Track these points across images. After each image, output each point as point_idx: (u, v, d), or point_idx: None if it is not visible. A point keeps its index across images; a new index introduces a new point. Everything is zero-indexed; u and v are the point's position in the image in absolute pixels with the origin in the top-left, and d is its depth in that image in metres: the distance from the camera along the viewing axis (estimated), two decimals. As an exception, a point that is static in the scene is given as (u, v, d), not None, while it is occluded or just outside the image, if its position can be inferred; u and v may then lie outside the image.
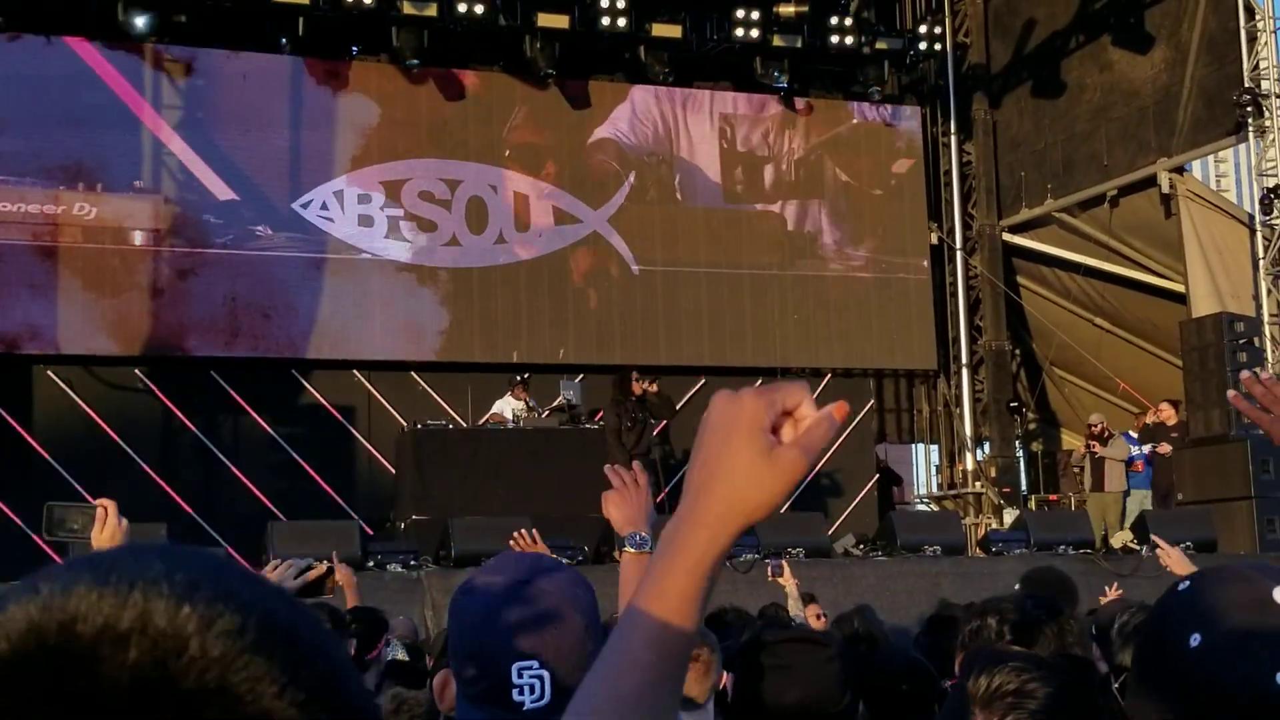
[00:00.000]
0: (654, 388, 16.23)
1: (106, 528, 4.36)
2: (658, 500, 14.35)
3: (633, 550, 3.06)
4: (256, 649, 0.73)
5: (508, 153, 18.52)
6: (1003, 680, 1.96)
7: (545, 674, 1.95)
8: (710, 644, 3.55)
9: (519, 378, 16.46)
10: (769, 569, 8.37)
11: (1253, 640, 1.46)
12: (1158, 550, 6.55)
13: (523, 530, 5.64)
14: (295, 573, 3.97)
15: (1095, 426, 17.64)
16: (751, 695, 3.03)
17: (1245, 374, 2.38)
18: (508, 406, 15.89)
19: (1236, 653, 1.46)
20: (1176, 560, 6.38)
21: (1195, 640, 1.49)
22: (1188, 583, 1.60)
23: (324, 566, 4.18)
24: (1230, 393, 2.36)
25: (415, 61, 17.31)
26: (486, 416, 16.13)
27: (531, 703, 1.94)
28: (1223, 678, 1.46)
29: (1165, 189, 17.72)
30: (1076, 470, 18.36)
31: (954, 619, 6.25)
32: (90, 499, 14.13)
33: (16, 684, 0.72)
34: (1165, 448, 16.60)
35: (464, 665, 2.01)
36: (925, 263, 20.40)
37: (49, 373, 16.36)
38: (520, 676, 1.95)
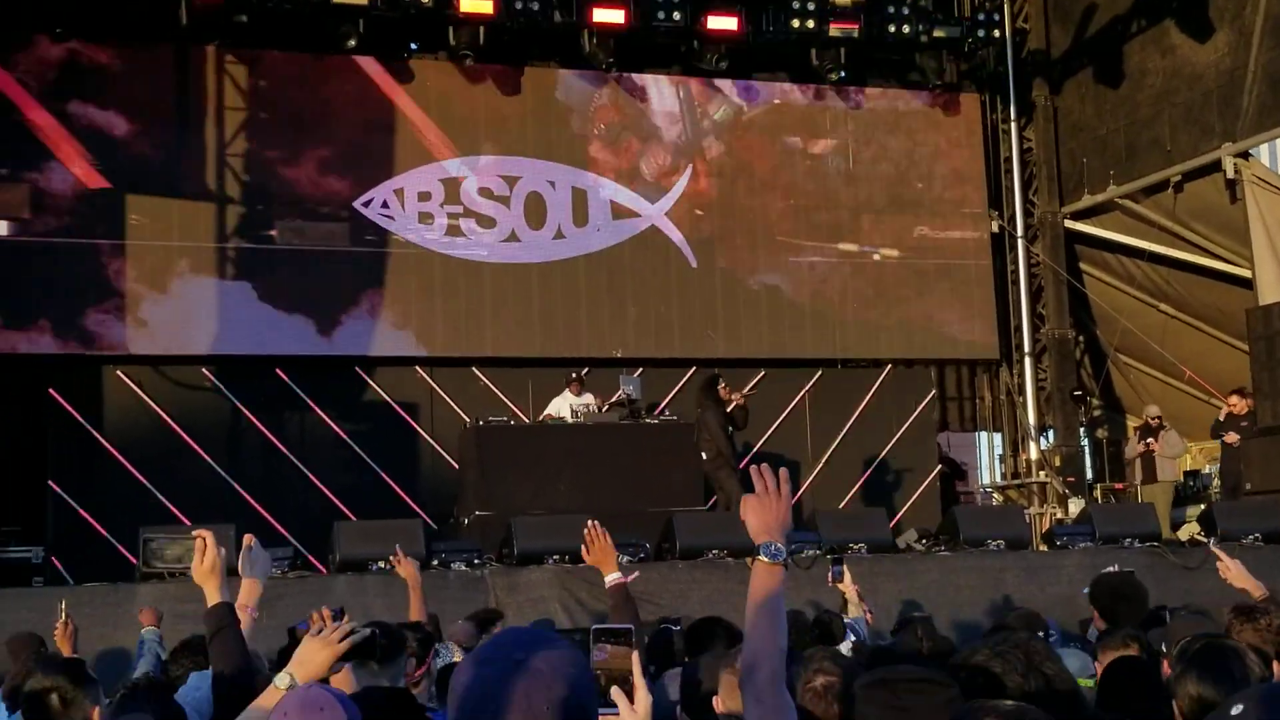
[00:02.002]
0: (743, 400, 16.18)
1: (206, 558, 4.37)
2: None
3: (765, 560, 3.12)
4: None
5: (565, 148, 18.52)
6: None
7: None
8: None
9: (574, 374, 16.47)
10: (830, 575, 8.27)
11: None
12: (1218, 563, 6.43)
13: (594, 523, 5.66)
14: (340, 636, 3.95)
15: (1154, 421, 17.56)
16: None
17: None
18: (565, 404, 15.90)
19: None
20: (1236, 574, 6.26)
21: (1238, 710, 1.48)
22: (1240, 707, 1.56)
23: (369, 633, 4.17)
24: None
25: (471, 57, 17.37)
26: (542, 416, 16.14)
27: None
28: None
29: (1230, 174, 17.51)
30: (1129, 461, 18.27)
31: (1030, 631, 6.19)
32: (164, 499, 14.19)
33: None
34: (1233, 436, 16.40)
35: None
36: (987, 250, 20.23)
37: (118, 373, 16.52)
38: None
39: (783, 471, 3.27)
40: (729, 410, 15.84)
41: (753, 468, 3.33)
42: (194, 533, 4.28)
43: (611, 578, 5.55)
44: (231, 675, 4.28)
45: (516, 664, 2.02)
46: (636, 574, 6.42)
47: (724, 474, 15.30)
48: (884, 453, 18.83)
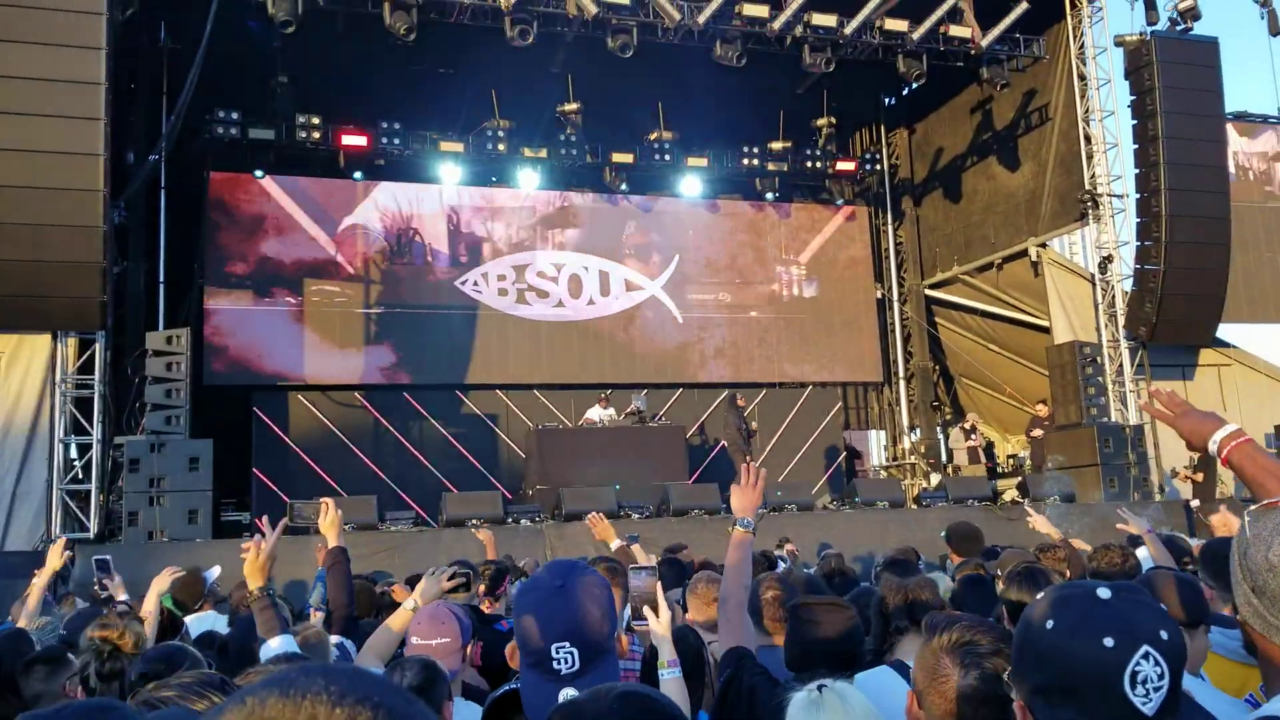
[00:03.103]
0: (752, 425, 16.05)
1: (328, 516, 4.40)
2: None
3: (741, 529, 3.18)
4: None
5: (597, 244, 18.59)
6: (957, 635, 1.93)
7: (575, 650, 1.93)
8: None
9: (603, 394, 16.49)
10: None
11: (1088, 620, 1.45)
12: (1028, 518, 6.44)
13: (595, 514, 5.65)
14: (445, 578, 3.96)
15: (968, 424, 17.75)
16: (797, 641, 3.01)
17: (1152, 388, 2.44)
18: (596, 414, 15.92)
19: (1078, 628, 1.45)
20: (1042, 525, 6.25)
21: (1050, 624, 1.48)
22: (1040, 596, 1.58)
23: (461, 580, 4.18)
24: (1141, 401, 2.41)
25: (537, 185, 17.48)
26: (582, 420, 16.14)
27: (566, 670, 1.92)
28: (1068, 647, 1.44)
29: (1034, 258, 17.56)
30: (954, 450, 18.28)
31: (907, 560, 6.17)
32: (330, 480, 14.08)
33: None
34: (1038, 432, 16.39)
35: (522, 643, 1.99)
36: (874, 310, 20.25)
37: (299, 397, 16.56)
38: (557, 653, 1.93)
39: (761, 472, 3.32)
40: (744, 417, 15.82)
41: (743, 465, 3.36)
42: (321, 500, 4.33)
43: (614, 545, 5.54)
44: (344, 597, 4.32)
45: (556, 588, 1.99)
46: (621, 544, 6.31)
47: (738, 459, 15.35)
48: (807, 444, 18.80)
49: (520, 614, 2.01)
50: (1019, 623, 1.54)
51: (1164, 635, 1.44)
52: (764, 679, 2.81)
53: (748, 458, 3.26)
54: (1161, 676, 1.41)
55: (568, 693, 1.86)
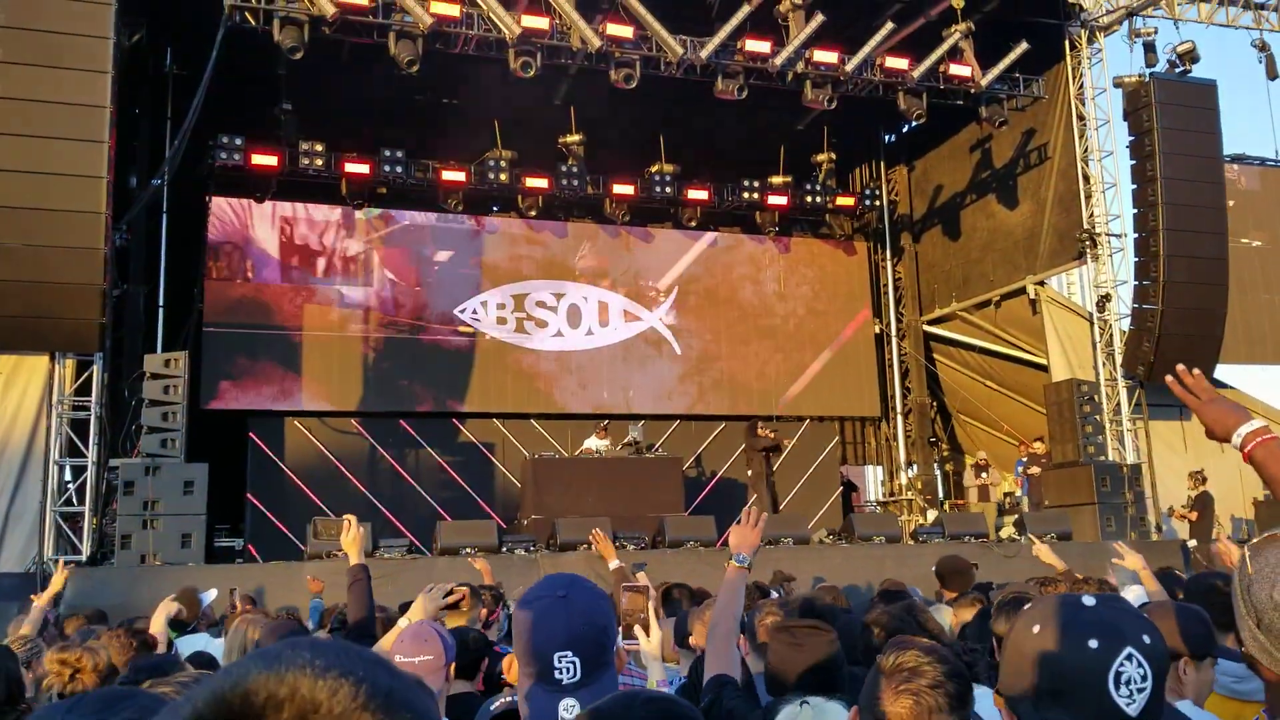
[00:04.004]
0: (772, 435, 16.02)
1: (350, 532, 4.39)
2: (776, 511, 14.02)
3: (736, 565, 3.24)
4: (365, 706, 0.76)
5: (597, 274, 18.63)
6: (904, 659, 1.89)
7: (577, 660, 1.93)
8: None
9: (602, 424, 16.47)
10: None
11: (1072, 624, 1.49)
12: (1034, 548, 6.41)
13: (596, 530, 5.68)
14: (441, 594, 3.95)
15: (982, 462, 17.60)
16: (777, 662, 3.02)
17: (1179, 367, 2.39)
18: (594, 444, 15.88)
19: (1064, 632, 1.49)
20: (1045, 553, 6.24)
21: (1036, 629, 1.52)
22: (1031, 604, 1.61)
23: (463, 592, 4.17)
24: (1169, 378, 2.36)
25: (533, 215, 17.56)
26: (579, 450, 16.11)
27: (568, 680, 1.92)
28: (1054, 650, 1.48)
29: (1032, 296, 17.62)
30: (967, 487, 18.20)
31: (900, 591, 6.15)
32: (324, 507, 14.07)
33: None
34: (1035, 470, 16.35)
35: (522, 654, 1.99)
36: (872, 345, 20.29)
37: (296, 423, 16.54)
38: (559, 662, 1.93)
39: (764, 516, 3.38)
40: (765, 444, 15.77)
41: (745, 508, 3.42)
42: (344, 517, 4.32)
43: (613, 564, 5.57)
44: (363, 613, 4.29)
45: (559, 598, 1.99)
46: (619, 564, 6.32)
47: (761, 487, 15.35)
48: (804, 478, 18.77)
49: (522, 624, 2.02)
50: (1007, 631, 1.57)
51: (1146, 639, 1.47)
52: (743, 702, 2.85)
53: (750, 511, 3.31)
54: (1144, 678, 1.45)
55: (568, 703, 1.86)
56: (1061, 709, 1.44)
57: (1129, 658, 1.45)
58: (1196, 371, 2.31)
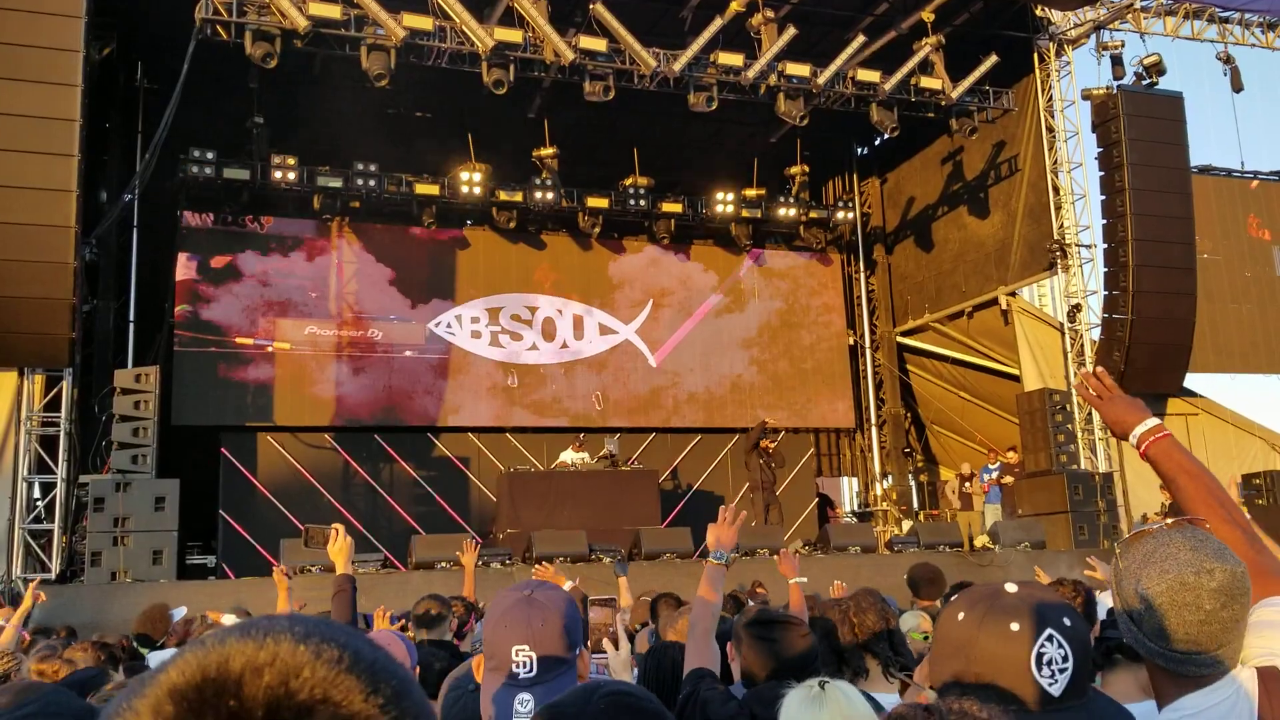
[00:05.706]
0: (773, 445, 16.03)
1: (338, 542, 4.37)
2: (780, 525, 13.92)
3: (715, 561, 3.28)
4: (349, 672, 0.75)
5: (571, 288, 18.65)
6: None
7: (533, 655, 1.98)
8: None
9: (579, 438, 16.47)
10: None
11: (994, 609, 1.57)
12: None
13: (544, 563, 5.74)
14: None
15: (965, 471, 17.67)
16: (753, 656, 3.07)
17: (1084, 370, 2.43)
18: (569, 457, 15.87)
19: (986, 616, 1.56)
20: (1041, 577, 6.27)
21: (961, 615, 1.60)
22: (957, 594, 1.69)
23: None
24: (1076, 381, 2.43)
25: (510, 228, 17.56)
26: (555, 464, 16.10)
27: (524, 675, 1.97)
28: (979, 634, 1.56)
29: (1004, 307, 17.79)
30: (951, 496, 18.25)
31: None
32: (298, 523, 13.92)
33: (187, 703, 0.73)
34: (1008, 479, 16.46)
35: (485, 649, 2.06)
36: (846, 357, 20.40)
37: (268, 438, 16.44)
38: (516, 656, 1.98)
39: (741, 514, 3.41)
40: (764, 452, 15.77)
41: (721, 507, 3.46)
42: (332, 525, 4.30)
43: (567, 585, 5.62)
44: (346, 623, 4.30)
45: (524, 596, 2.05)
46: (573, 584, 6.24)
47: (759, 495, 15.39)
48: (780, 489, 18.78)
49: (488, 619, 2.09)
50: (936, 621, 1.64)
51: (1067, 622, 1.55)
52: (718, 694, 2.91)
53: (726, 511, 3.36)
54: (1065, 659, 1.51)
55: (523, 698, 1.91)
56: (987, 690, 1.50)
57: (1050, 639, 1.51)
58: (1100, 369, 2.36)
